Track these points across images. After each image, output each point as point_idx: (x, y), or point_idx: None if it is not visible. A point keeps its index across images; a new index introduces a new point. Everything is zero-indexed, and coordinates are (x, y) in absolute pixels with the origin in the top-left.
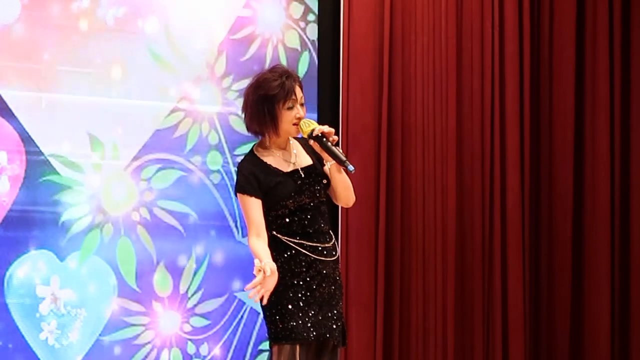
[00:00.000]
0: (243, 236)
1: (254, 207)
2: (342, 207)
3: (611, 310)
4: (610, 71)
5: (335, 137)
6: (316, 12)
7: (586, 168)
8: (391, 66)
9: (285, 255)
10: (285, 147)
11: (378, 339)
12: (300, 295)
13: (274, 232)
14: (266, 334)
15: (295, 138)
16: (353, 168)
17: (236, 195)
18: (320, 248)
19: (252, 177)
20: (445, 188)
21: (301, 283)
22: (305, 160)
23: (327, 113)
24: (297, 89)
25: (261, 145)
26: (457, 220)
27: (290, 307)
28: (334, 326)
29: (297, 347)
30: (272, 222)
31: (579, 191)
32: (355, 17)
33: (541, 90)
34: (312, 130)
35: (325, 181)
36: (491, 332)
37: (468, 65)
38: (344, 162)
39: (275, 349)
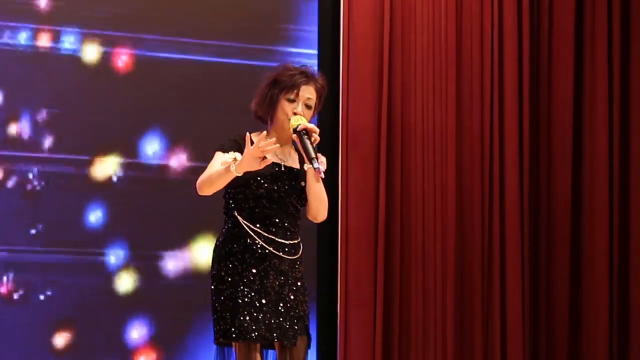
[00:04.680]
0: None
1: (222, 161)
2: (341, 207)
3: (609, 310)
4: (609, 71)
5: (317, 138)
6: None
7: (585, 168)
8: (391, 66)
9: (241, 244)
10: (282, 146)
11: (377, 339)
12: (252, 291)
13: (236, 213)
14: (213, 329)
15: (299, 152)
16: (318, 166)
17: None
18: (278, 242)
19: (236, 144)
20: (444, 188)
21: (254, 277)
22: (293, 163)
23: (327, 113)
24: (308, 89)
25: (260, 133)
26: (457, 220)
27: (240, 303)
28: (290, 328)
29: (257, 348)
30: (237, 203)
31: (578, 191)
32: (355, 17)
33: (540, 90)
34: (298, 125)
35: (303, 183)
36: (490, 332)
37: (468, 65)
38: (312, 159)
39: (235, 346)
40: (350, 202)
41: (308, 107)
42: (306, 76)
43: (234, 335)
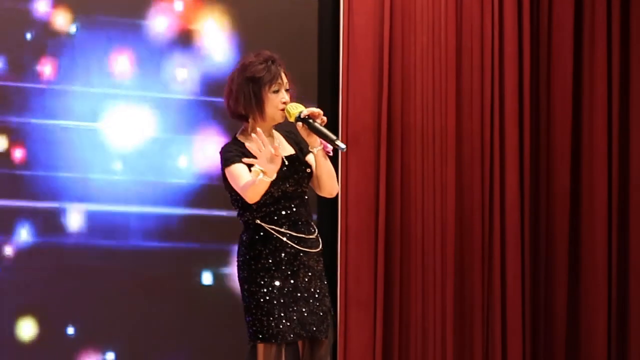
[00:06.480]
0: None
1: (245, 170)
2: (341, 207)
3: (608, 310)
4: (608, 70)
5: (324, 118)
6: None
7: (584, 167)
8: (391, 66)
9: (270, 247)
10: (269, 135)
11: (377, 338)
12: (285, 291)
13: (258, 221)
14: (249, 330)
15: (277, 129)
16: (344, 146)
17: (224, 172)
18: (305, 239)
19: (240, 152)
20: (444, 187)
21: (287, 277)
22: (288, 150)
23: (326, 113)
24: (282, 75)
25: (243, 133)
26: (457, 220)
27: (275, 304)
28: (322, 322)
29: (283, 346)
30: (256, 210)
31: (577, 190)
32: (355, 17)
33: (540, 90)
34: (300, 113)
35: (308, 170)
36: (490, 331)
37: (468, 65)
38: (334, 141)
39: (260, 347)
40: (350, 202)
41: (287, 91)
42: (275, 63)
43: (272, 338)
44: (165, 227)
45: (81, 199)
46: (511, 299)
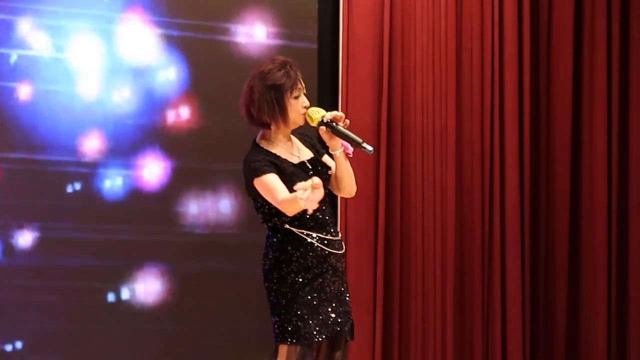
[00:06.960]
0: None
1: (278, 181)
2: (341, 207)
3: (608, 310)
4: (608, 71)
5: (347, 121)
6: (316, 12)
7: (584, 168)
8: (391, 66)
9: (301, 250)
10: (288, 140)
11: (377, 338)
12: (314, 293)
13: (287, 226)
14: (275, 331)
15: (292, 132)
16: (372, 148)
17: (252, 183)
18: (332, 241)
19: (268, 161)
20: (444, 188)
21: (315, 278)
22: (307, 153)
23: None
24: (300, 78)
25: (264, 137)
26: (457, 220)
27: (305, 307)
28: (346, 322)
29: (306, 347)
30: (284, 215)
31: (577, 191)
32: (355, 17)
33: (540, 90)
34: (323, 117)
35: (329, 172)
36: (490, 331)
37: (468, 65)
38: (361, 143)
39: (284, 348)
40: (350, 203)
41: (305, 95)
42: (292, 68)
43: (299, 339)
44: (99, 246)
45: (31, 219)
46: (511, 299)
